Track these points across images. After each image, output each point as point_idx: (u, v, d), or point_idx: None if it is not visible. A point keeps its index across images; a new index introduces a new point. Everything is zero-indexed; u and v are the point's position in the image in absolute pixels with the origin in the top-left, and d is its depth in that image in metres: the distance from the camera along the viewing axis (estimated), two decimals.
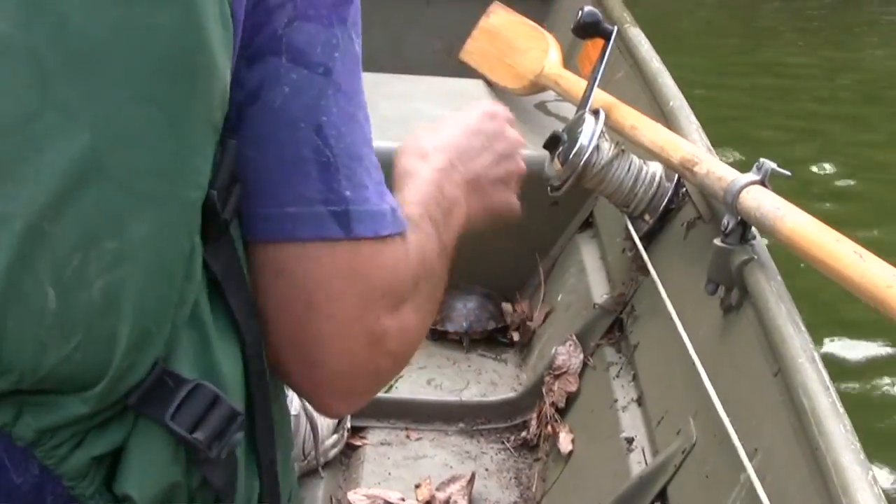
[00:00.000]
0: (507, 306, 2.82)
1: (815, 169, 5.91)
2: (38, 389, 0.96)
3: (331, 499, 2.28)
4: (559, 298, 2.71)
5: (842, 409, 1.51)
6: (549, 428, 2.35)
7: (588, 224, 2.81)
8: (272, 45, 1.01)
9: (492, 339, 2.81)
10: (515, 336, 2.76)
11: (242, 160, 1.02)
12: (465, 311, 2.80)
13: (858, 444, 1.44)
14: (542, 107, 3.13)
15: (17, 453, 0.98)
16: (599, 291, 2.51)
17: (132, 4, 0.94)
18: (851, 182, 5.99)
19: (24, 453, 0.98)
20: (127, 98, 0.93)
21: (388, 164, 2.90)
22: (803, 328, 1.69)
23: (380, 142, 2.96)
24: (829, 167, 6.09)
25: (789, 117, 6.99)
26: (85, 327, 0.94)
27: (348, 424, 2.43)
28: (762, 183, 1.88)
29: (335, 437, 2.39)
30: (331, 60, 1.04)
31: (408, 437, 2.50)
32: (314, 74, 1.03)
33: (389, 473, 2.38)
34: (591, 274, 2.61)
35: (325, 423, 2.36)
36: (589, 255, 2.69)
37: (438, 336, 2.80)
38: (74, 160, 0.92)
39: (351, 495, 2.27)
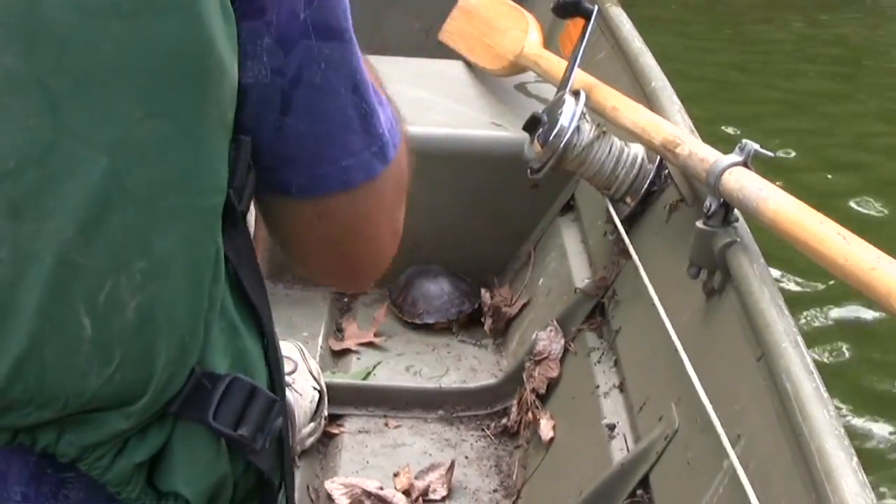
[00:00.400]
0: (485, 293, 2.81)
1: (794, 147, 5.90)
2: (80, 410, 0.98)
3: (307, 488, 2.27)
4: (540, 283, 2.70)
5: (826, 394, 1.51)
6: (530, 415, 2.34)
7: (569, 207, 2.81)
8: (302, 30, 1.03)
9: (472, 325, 2.80)
10: (489, 322, 2.75)
11: (292, 136, 1.05)
12: (446, 298, 2.79)
13: (842, 430, 1.44)
14: (522, 88, 3.13)
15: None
16: (581, 276, 2.50)
17: (134, 17, 0.93)
18: (833, 155, 6.00)
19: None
20: (140, 115, 0.93)
21: None
22: (786, 312, 1.69)
23: None
24: (809, 143, 6.09)
25: (768, 88, 7.00)
26: (123, 348, 0.97)
27: (325, 412, 2.42)
28: (745, 164, 1.88)
29: (312, 425, 2.38)
30: (347, 21, 1.07)
31: (386, 424, 2.49)
32: (342, 43, 1.06)
33: (367, 462, 2.37)
34: (572, 258, 2.60)
35: (301, 410, 2.35)
36: (570, 239, 2.68)
37: (421, 328, 2.79)
38: (96, 186, 0.93)
39: (328, 484, 2.27)
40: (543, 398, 2.37)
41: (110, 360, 0.97)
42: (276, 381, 1.11)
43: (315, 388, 2.38)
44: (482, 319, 2.78)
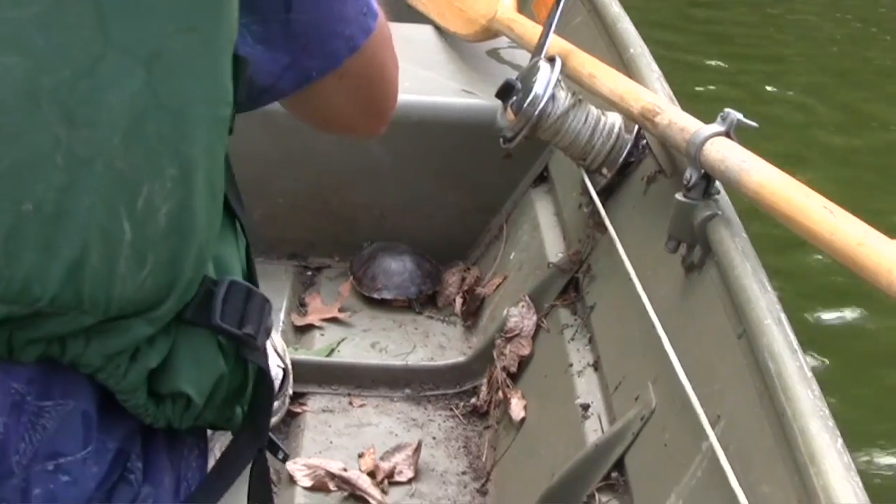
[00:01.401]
0: (448, 274, 2.79)
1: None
2: (111, 317, 1.07)
3: (269, 469, 2.25)
4: (512, 257, 2.69)
5: (810, 374, 1.50)
6: (501, 394, 2.34)
7: (543, 178, 2.79)
8: None
9: (430, 306, 2.79)
10: (460, 304, 2.73)
11: (299, 27, 1.18)
12: (407, 276, 2.77)
13: (827, 411, 1.43)
14: (494, 54, 3.11)
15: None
16: (554, 250, 2.49)
17: None
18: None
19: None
20: (173, 30, 1.04)
21: None
22: (769, 288, 1.68)
23: None
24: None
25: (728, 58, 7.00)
26: (154, 253, 1.06)
27: (290, 391, 2.41)
28: (727, 134, 1.86)
29: (276, 403, 2.36)
30: None
31: (351, 403, 2.48)
32: None
33: (331, 442, 2.36)
34: (545, 231, 2.59)
35: None
36: (543, 212, 2.67)
37: (385, 304, 2.78)
38: (135, 97, 1.03)
39: (290, 465, 2.26)
40: (514, 377, 2.36)
41: (144, 265, 1.06)
42: (256, 283, 1.23)
43: (279, 366, 2.37)
44: (450, 301, 2.77)
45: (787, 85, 6.61)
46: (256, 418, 1.26)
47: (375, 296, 2.77)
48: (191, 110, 1.06)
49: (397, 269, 2.79)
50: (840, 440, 1.39)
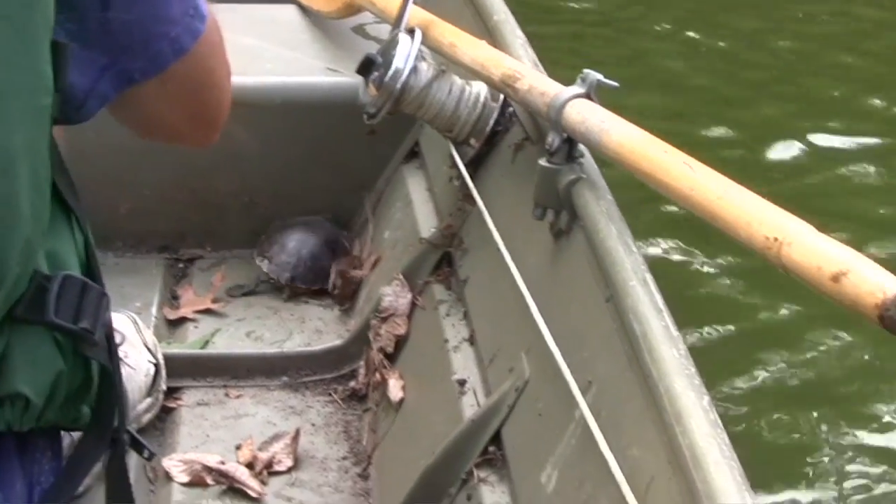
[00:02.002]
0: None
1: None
2: None
3: (145, 467, 2.23)
4: (386, 236, 2.68)
5: (676, 333, 1.50)
6: (378, 375, 2.32)
7: (414, 154, 2.78)
8: None
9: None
10: (336, 289, 2.71)
11: (118, 27, 1.15)
12: (298, 258, 2.74)
13: (693, 369, 1.44)
14: (360, 30, 3.09)
15: None
16: (427, 225, 2.48)
17: None
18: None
19: None
20: None
21: None
22: (634, 249, 1.68)
23: None
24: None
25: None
26: None
27: (163, 386, 2.38)
28: (587, 96, 1.86)
29: (149, 400, 2.34)
30: None
31: (227, 395, 2.45)
32: None
33: (208, 436, 2.34)
34: (418, 207, 2.58)
35: (136, 387, 2.31)
36: (415, 188, 2.66)
37: (273, 288, 2.76)
38: None
39: (166, 462, 2.23)
40: (392, 357, 2.34)
41: None
42: (97, 277, 1.22)
43: (150, 362, 2.35)
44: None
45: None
46: (103, 416, 1.26)
47: (263, 266, 2.75)
48: (8, 100, 1.05)
49: (303, 252, 2.76)
50: (706, 397, 1.39)
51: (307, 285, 2.73)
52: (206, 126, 1.32)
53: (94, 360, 1.21)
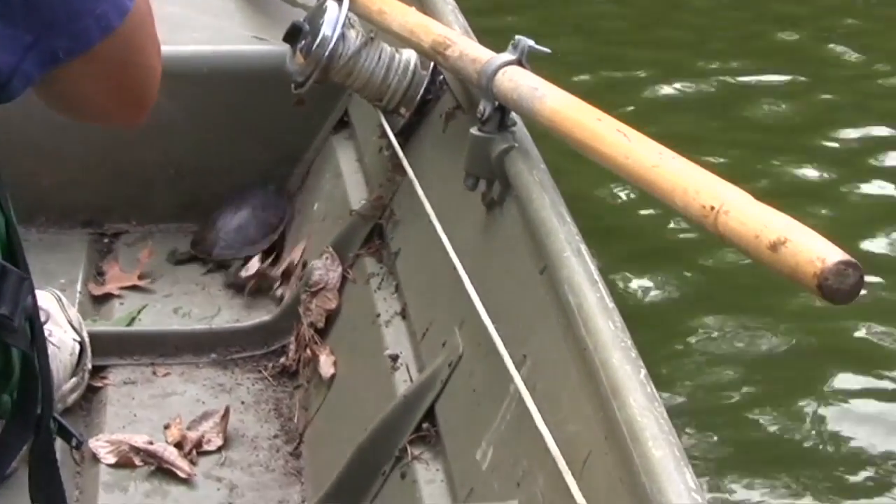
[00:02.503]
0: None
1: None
2: None
3: (71, 450, 2.20)
4: (315, 208, 2.65)
5: (611, 304, 1.49)
6: (309, 351, 2.30)
7: (343, 124, 2.76)
8: None
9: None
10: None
11: (42, 2, 1.10)
12: (221, 233, 2.71)
13: (630, 342, 1.43)
14: None
15: None
16: (357, 197, 2.46)
17: None
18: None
19: None
20: None
21: None
22: (569, 219, 1.67)
23: None
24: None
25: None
26: None
27: (89, 365, 2.36)
28: (519, 63, 1.85)
29: (74, 380, 2.32)
30: None
31: (154, 373, 2.43)
32: None
33: (135, 415, 2.31)
34: (348, 178, 2.56)
35: (61, 366, 2.28)
36: (345, 158, 2.64)
37: (188, 258, 2.74)
38: None
39: (92, 443, 2.20)
40: (322, 332, 2.33)
41: None
42: (20, 259, 1.20)
43: (75, 340, 2.32)
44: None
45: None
46: (26, 404, 1.23)
47: (194, 251, 2.73)
48: None
49: (229, 225, 2.73)
50: (643, 371, 1.38)
51: (232, 257, 2.70)
52: (135, 105, 1.28)
53: (14, 347, 1.19)
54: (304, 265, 2.51)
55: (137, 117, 1.29)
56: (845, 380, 3.49)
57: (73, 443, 1.43)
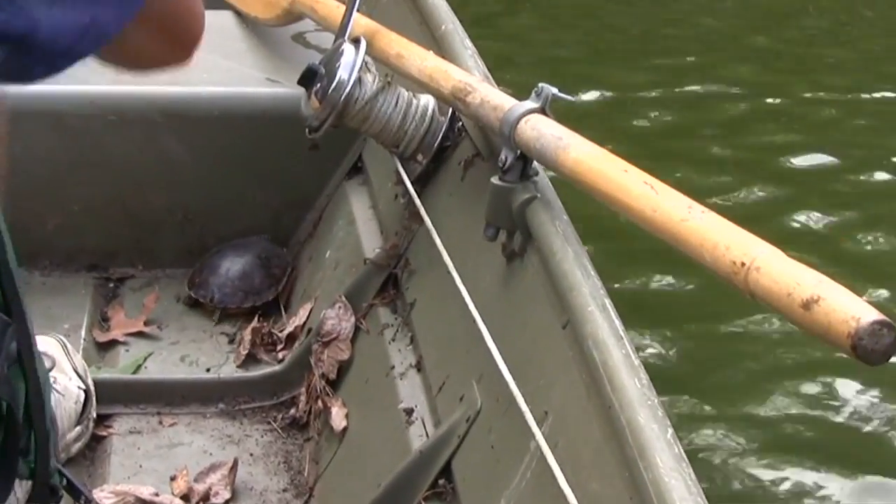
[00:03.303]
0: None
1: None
2: None
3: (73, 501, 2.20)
4: (327, 255, 2.66)
5: (637, 361, 1.49)
6: (320, 403, 2.30)
7: (357, 169, 2.76)
8: None
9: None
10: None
11: None
12: (224, 279, 2.72)
13: (656, 400, 1.43)
14: (300, 38, 3.07)
15: None
16: (371, 245, 2.46)
17: None
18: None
19: None
20: None
21: (125, 109, 2.78)
22: (593, 272, 1.67)
23: (115, 86, 2.85)
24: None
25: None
26: None
27: (93, 413, 2.36)
28: (542, 111, 1.86)
29: (78, 429, 2.32)
30: None
31: (160, 423, 2.43)
32: None
33: (140, 466, 2.31)
34: (361, 225, 2.56)
35: (66, 414, 2.28)
36: (359, 205, 2.64)
37: (193, 303, 2.74)
38: None
39: (97, 493, 2.20)
40: (334, 384, 2.33)
41: None
42: (15, 304, 1.19)
43: (80, 388, 2.32)
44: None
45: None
46: (7, 455, 1.23)
47: (192, 293, 2.74)
48: None
49: (231, 271, 2.73)
50: (671, 430, 1.38)
51: (237, 305, 2.70)
52: (185, 46, 1.30)
53: None
54: (311, 313, 2.52)
55: (188, 56, 1.31)
56: None
57: (82, 500, 1.43)
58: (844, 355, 1.26)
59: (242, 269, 2.73)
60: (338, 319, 2.36)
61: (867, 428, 3.55)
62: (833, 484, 3.35)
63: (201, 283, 2.74)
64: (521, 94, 1.96)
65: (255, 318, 2.65)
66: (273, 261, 2.76)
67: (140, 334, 2.66)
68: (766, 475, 3.35)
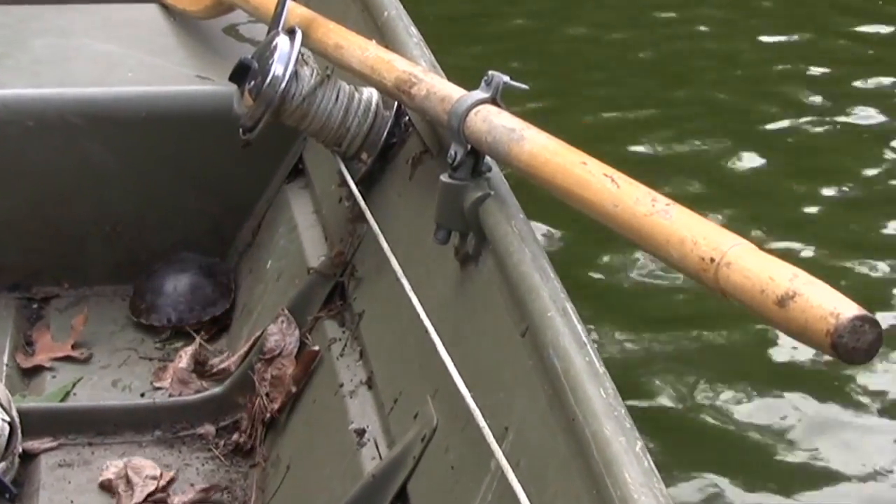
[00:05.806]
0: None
1: None
2: None
3: None
4: (268, 266, 2.66)
5: (602, 369, 1.50)
6: (265, 427, 2.30)
7: (298, 171, 2.78)
8: None
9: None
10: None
11: None
12: (175, 297, 2.72)
13: (623, 410, 1.43)
14: (232, 31, 3.08)
15: None
16: (315, 253, 2.47)
17: None
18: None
19: None
20: None
21: (44, 113, 2.77)
22: (552, 274, 1.68)
23: (32, 88, 2.85)
24: None
25: None
26: None
27: (19, 448, 2.35)
28: (493, 101, 1.86)
29: (3, 465, 2.31)
30: None
31: (92, 453, 2.42)
32: None
33: (71, 501, 2.31)
34: (304, 232, 2.58)
35: None
36: (301, 210, 2.65)
37: (144, 329, 2.74)
38: None
39: None
40: (280, 405, 2.32)
41: None
42: None
43: (4, 420, 2.31)
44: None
45: None
46: None
47: (144, 321, 2.73)
48: None
49: (179, 288, 2.73)
50: (640, 443, 1.38)
51: (197, 320, 2.71)
52: None
53: None
54: (252, 329, 2.52)
55: None
56: None
57: (8, 496, 1.43)
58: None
59: (190, 283, 2.73)
60: (281, 335, 2.36)
61: (847, 434, 3.58)
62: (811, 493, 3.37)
63: (149, 308, 2.73)
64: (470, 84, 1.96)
65: (197, 338, 2.64)
66: (216, 268, 2.76)
67: (68, 358, 2.66)
68: (746, 486, 3.37)
